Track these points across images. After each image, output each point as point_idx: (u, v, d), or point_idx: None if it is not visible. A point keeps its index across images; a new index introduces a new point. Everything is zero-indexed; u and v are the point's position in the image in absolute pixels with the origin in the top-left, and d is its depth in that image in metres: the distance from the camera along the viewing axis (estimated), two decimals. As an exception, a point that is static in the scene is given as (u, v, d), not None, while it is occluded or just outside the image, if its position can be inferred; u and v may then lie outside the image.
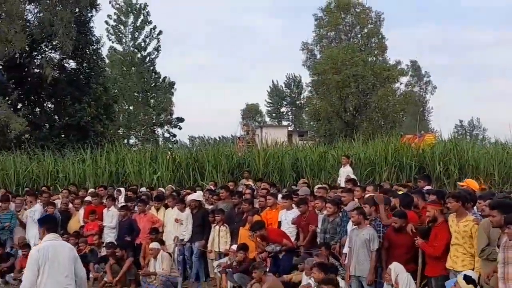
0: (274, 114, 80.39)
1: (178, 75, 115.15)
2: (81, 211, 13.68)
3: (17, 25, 24.10)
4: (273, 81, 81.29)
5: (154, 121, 50.26)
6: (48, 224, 6.82)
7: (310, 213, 10.47)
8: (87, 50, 29.39)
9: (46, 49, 28.25)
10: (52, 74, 26.42)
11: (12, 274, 12.29)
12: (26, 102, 28.35)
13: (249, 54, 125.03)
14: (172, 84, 50.89)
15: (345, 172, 16.07)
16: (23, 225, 13.32)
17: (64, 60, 29.06)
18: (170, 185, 16.32)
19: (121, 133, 42.01)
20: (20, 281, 11.70)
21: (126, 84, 47.66)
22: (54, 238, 6.61)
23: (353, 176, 14.79)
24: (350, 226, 9.19)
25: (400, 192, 10.46)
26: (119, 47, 50.33)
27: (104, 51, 47.26)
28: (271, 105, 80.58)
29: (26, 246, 12.53)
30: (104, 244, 12.59)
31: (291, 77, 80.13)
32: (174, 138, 47.53)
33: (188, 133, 63.69)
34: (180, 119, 50.56)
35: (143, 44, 50.00)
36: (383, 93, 41.59)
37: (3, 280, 12.24)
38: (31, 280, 6.34)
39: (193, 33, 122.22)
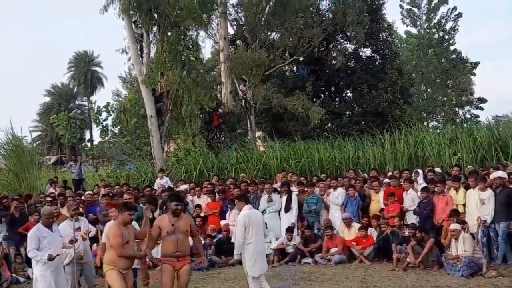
0: None
1: (478, 54, 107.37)
2: (381, 194, 13.97)
3: (313, 21, 25.68)
4: None
5: (454, 102, 48.44)
6: (245, 199, 9.20)
7: None
8: (380, 37, 29.72)
9: (341, 41, 29.41)
10: (345, 63, 27.33)
11: (320, 254, 13.15)
12: (326, 92, 29.90)
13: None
14: (475, 64, 48.23)
15: None
16: (327, 208, 14.21)
17: (359, 49, 29.88)
18: (470, 166, 15.65)
19: (420, 116, 41.45)
20: (328, 260, 12.64)
21: (426, 68, 46.83)
22: (249, 208, 9.07)
23: None
24: None
25: None
26: (414, 30, 49.84)
27: (401, 35, 47.64)
28: None
29: (330, 228, 13.33)
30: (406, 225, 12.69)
31: None
32: (477, 119, 44.99)
33: (491, 113, 59.69)
34: (482, 100, 47.65)
35: (439, 26, 48.55)
36: None
37: (313, 260, 13.13)
38: (241, 235, 8.79)
39: (491, 9, 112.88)
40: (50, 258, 8.30)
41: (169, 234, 8.19)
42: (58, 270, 8.60)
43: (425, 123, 42.56)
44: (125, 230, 8.18)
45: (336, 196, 14.12)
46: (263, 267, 9.19)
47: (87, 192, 16.52)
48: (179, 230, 8.21)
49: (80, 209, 13.33)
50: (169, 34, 21.19)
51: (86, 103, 67.13)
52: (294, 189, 14.50)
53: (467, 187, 12.39)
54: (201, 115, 24.50)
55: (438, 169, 15.72)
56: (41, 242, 8.45)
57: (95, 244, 11.76)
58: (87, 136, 58.63)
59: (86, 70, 67.71)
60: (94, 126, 40.60)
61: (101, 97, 63.82)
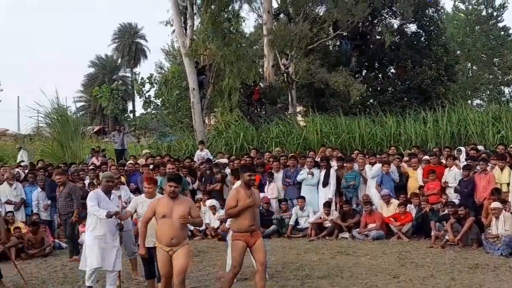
0: None
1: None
2: (419, 171, 13.84)
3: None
4: None
5: (500, 80, 47.25)
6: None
7: None
8: (427, 12, 29.06)
9: (387, 16, 28.87)
10: (392, 39, 26.83)
11: (358, 229, 13.17)
12: (369, 68, 29.52)
13: None
14: (525, 41, 46.80)
15: None
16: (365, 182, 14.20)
17: (404, 25, 29.31)
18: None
19: (464, 94, 40.52)
20: (366, 235, 12.62)
21: (472, 45, 45.70)
22: None
23: None
24: None
25: None
26: (461, 6, 48.62)
27: (447, 11, 46.49)
28: None
29: (369, 203, 13.31)
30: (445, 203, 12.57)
31: None
32: (524, 97, 43.78)
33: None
34: (529, 78, 46.38)
35: (487, 2, 47.17)
36: None
37: (350, 235, 13.17)
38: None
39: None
40: (109, 215, 8.12)
41: (245, 208, 7.53)
42: (106, 240, 8.31)
43: (469, 101, 41.69)
44: (167, 204, 7.28)
45: (371, 169, 14.17)
46: None
47: (128, 162, 16.83)
48: (255, 204, 7.62)
49: (122, 179, 13.66)
50: (212, 6, 21.19)
51: (129, 75, 67.92)
52: (334, 164, 14.48)
53: (511, 166, 12.17)
54: (241, 89, 24.56)
55: (481, 147, 15.46)
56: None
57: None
58: (130, 107, 59.45)
59: (130, 42, 68.34)
60: (137, 97, 41.23)
61: (144, 69, 64.23)
